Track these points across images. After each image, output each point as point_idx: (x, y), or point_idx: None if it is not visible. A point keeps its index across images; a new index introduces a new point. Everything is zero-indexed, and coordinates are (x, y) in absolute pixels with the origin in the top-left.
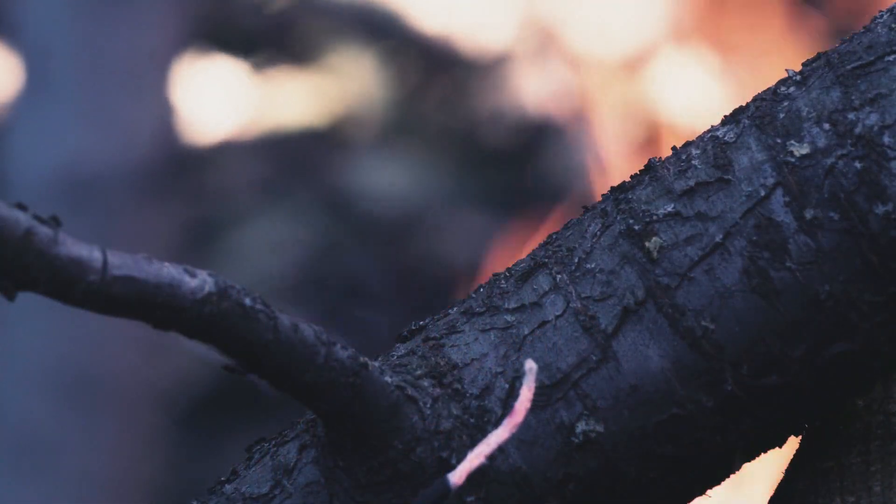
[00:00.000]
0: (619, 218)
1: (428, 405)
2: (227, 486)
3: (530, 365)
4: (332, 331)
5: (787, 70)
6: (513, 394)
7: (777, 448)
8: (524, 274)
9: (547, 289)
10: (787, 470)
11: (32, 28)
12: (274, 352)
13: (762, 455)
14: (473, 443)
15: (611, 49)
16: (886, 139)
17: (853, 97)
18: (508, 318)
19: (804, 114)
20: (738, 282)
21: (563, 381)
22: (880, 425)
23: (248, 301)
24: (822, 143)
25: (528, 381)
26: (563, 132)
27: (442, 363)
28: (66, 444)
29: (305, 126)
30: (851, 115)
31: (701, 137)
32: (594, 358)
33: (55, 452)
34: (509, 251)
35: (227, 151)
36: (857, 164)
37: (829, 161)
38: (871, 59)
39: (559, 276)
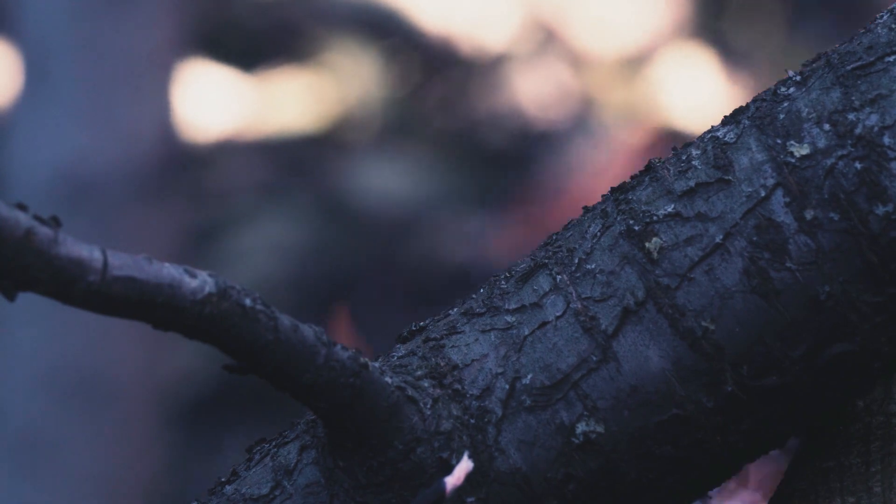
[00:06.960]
0: (619, 218)
1: (428, 406)
2: (228, 487)
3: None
4: (330, 332)
5: (787, 70)
6: (513, 394)
7: (777, 448)
8: (524, 274)
9: (547, 289)
10: (787, 470)
11: (32, 28)
12: (274, 352)
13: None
14: (473, 443)
15: (611, 49)
16: (886, 140)
17: (853, 98)
18: (509, 318)
19: (804, 114)
20: (739, 282)
21: (563, 381)
22: (880, 426)
23: (248, 301)
24: (822, 143)
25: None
26: (563, 132)
27: (442, 364)
28: (66, 444)
29: (305, 127)
30: (851, 116)
31: (701, 138)
32: (594, 358)
33: (55, 452)
34: (509, 251)
35: (226, 152)
36: (858, 165)
37: (830, 161)
38: (872, 59)
39: (559, 277)
